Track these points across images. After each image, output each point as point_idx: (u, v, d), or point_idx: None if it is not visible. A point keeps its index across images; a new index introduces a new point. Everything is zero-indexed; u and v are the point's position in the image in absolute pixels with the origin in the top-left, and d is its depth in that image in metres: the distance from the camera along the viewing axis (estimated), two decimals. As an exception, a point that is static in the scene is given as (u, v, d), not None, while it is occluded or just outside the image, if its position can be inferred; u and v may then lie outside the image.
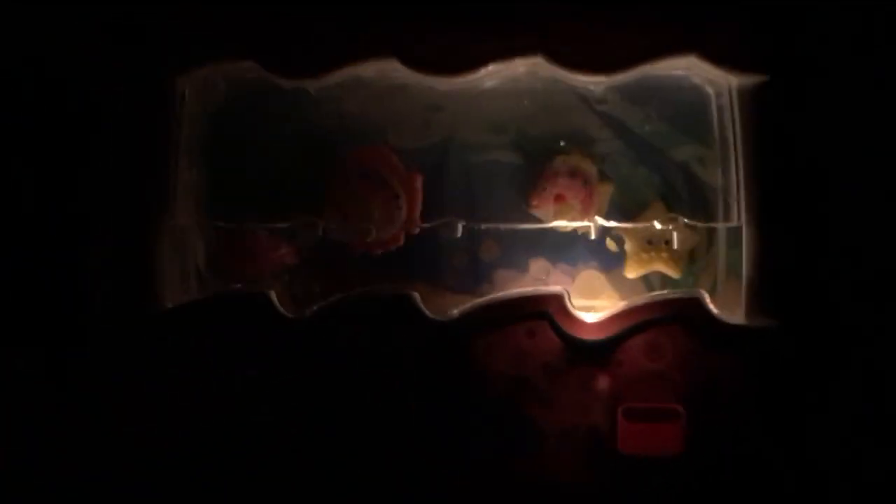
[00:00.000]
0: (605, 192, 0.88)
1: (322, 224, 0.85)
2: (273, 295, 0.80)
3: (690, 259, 0.89)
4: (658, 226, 0.86)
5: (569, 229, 0.86)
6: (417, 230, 0.86)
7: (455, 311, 0.80)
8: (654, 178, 0.89)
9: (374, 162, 0.86)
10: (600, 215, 0.87)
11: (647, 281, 0.89)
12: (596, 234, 0.86)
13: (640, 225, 0.87)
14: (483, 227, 0.87)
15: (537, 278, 0.89)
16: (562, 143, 0.88)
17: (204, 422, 0.80)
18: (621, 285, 0.89)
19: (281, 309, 0.80)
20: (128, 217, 0.81)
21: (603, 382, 0.79)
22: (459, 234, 0.86)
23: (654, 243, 0.87)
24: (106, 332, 0.81)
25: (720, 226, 0.86)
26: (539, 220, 0.87)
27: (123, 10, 0.81)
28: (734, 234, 0.84)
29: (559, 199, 0.86)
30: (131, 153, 0.82)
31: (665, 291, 0.85)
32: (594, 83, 0.83)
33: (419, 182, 0.87)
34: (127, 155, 0.82)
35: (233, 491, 0.80)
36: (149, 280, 0.82)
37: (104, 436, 0.81)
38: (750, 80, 0.81)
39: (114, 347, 0.81)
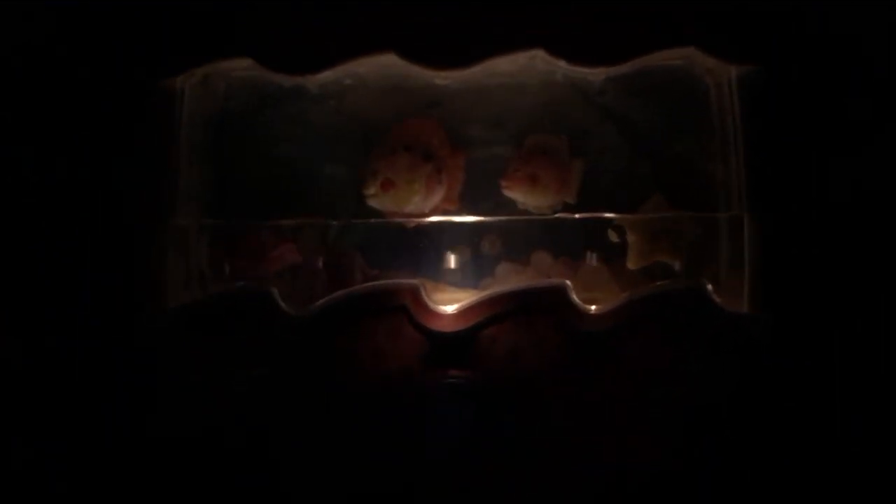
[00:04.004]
0: (578, 168, 0.88)
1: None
2: (276, 293, 0.80)
3: (692, 249, 0.88)
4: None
5: (569, 220, 0.86)
6: (454, 208, 0.86)
7: (458, 305, 0.80)
8: (654, 169, 0.88)
9: (422, 134, 0.85)
10: (574, 194, 0.87)
11: (649, 272, 0.89)
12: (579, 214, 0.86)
13: (641, 217, 0.87)
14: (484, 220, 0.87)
15: (539, 271, 0.89)
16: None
17: (208, 419, 0.80)
18: (623, 277, 0.89)
19: (284, 306, 0.80)
20: (130, 218, 0.82)
21: (607, 371, 0.79)
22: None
23: (656, 234, 0.87)
24: (109, 331, 0.81)
25: (721, 216, 0.86)
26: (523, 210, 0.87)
27: (120, 11, 0.81)
28: (735, 223, 0.84)
29: (532, 179, 0.86)
30: (132, 154, 0.82)
31: (667, 282, 0.85)
32: (593, 75, 0.83)
33: (462, 160, 0.87)
34: (128, 156, 0.82)
35: (236, 487, 0.80)
36: (152, 280, 0.82)
37: (107, 435, 0.82)
38: (748, 70, 0.81)
39: (117, 347, 0.81)
